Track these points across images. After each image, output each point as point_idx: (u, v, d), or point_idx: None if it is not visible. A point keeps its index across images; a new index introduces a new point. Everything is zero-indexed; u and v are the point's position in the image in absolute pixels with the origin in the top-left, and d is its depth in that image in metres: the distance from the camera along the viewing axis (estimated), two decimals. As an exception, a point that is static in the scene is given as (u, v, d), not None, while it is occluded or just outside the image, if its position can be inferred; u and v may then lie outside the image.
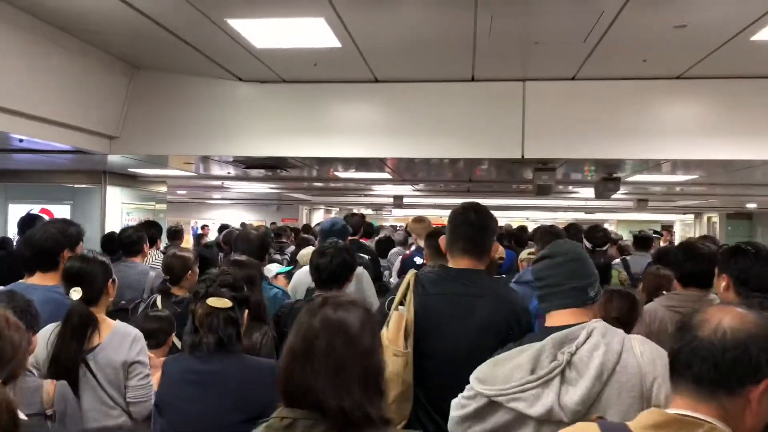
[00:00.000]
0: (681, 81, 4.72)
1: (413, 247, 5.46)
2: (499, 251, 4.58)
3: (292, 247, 6.96)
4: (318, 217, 18.76)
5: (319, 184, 10.46)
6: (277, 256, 5.91)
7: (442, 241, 2.46)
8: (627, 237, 10.81)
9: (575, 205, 16.43)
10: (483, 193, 11.16)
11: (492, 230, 2.38)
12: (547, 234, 3.63)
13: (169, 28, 3.91)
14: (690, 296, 2.88)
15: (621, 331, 1.72)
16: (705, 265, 2.81)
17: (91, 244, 4.53)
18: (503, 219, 17.45)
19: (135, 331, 2.49)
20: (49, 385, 2.05)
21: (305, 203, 16.94)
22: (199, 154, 5.56)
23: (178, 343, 2.90)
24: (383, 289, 3.87)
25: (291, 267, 4.20)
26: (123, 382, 2.41)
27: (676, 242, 17.88)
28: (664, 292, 3.09)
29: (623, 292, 2.79)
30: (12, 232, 6.59)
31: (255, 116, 5.20)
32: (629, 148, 4.83)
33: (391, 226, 12.46)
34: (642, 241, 6.74)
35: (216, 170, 7.74)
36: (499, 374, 1.69)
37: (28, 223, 4.17)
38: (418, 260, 4.81)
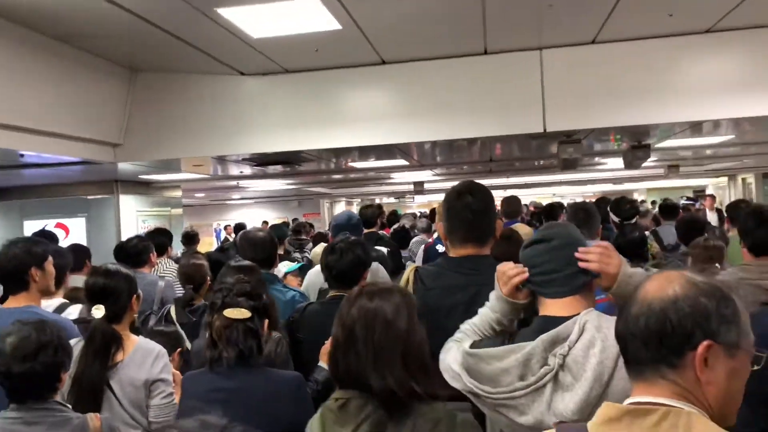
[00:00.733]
0: (711, 35, 4.37)
1: (436, 235, 5.21)
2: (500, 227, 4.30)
3: (311, 244, 6.75)
4: (340, 210, 18.59)
5: (338, 176, 10.26)
6: (297, 255, 5.69)
7: (440, 229, 2.22)
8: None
9: (602, 177, 15.97)
10: (506, 172, 10.84)
11: (493, 211, 2.19)
12: (580, 211, 3.34)
13: (161, 25, 3.72)
14: (766, 266, 2.58)
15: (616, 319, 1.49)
16: None
17: (107, 255, 4.39)
18: (528, 197, 17.07)
19: (158, 348, 2.36)
20: (94, 420, 1.96)
21: (325, 197, 16.77)
22: (207, 155, 5.36)
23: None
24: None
25: (300, 264, 3.97)
26: (145, 401, 2.28)
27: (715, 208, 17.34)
28: (717, 264, 2.79)
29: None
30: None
31: (261, 111, 4.98)
32: (658, 113, 4.50)
33: (412, 213, 12.19)
34: (669, 209, 6.43)
35: (228, 170, 7.57)
36: (485, 372, 1.53)
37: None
38: (441, 248, 4.55)
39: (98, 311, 2.28)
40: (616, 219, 4.81)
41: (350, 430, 1.50)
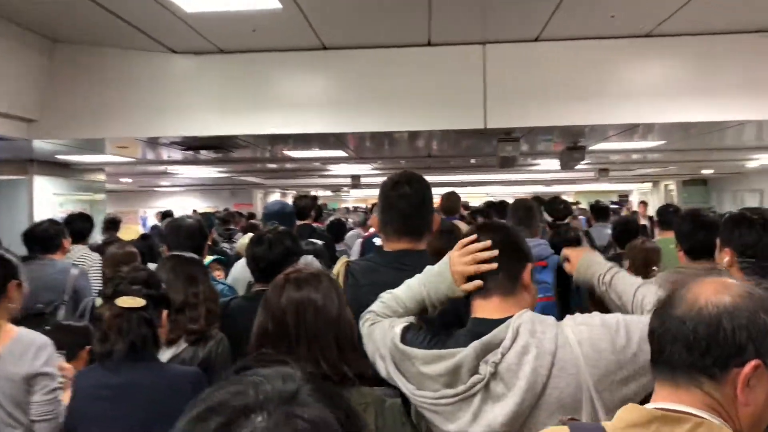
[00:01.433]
0: (651, 39, 4.43)
1: (373, 228, 5.09)
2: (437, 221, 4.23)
3: (240, 234, 6.46)
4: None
5: (273, 166, 9.98)
6: (226, 246, 5.42)
7: (374, 220, 2.10)
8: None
9: (534, 179, 16.31)
10: (444, 169, 10.84)
11: (430, 203, 2.06)
12: (521, 208, 3.26)
13: (82, -10, 3.42)
14: (701, 270, 2.58)
15: (552, 320, 1.42)
16: (716, 235, 2.53)
17: (16, 241, 4.03)
18: (462, 196, 17.13)
19: (41, 339, 2.13)
20: None
21: (259, 187, 16.38)
22: (132, 136, 5.04)
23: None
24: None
25: (217, 257, 3.76)
26: (25, 397, 2.06)
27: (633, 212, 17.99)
28: (654, 268, 2.80)
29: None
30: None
31: (192, 92, 4.72)
32: (598, 114, 4.53)
33: (346, 207, 12.05)
34: (600, 211, 6.55)
35: (157, 155, 7.19)
36: (410, 371, 1.44)
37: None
38: (378, 241, 4.43)
39: None
40: (549, 218, 4.83)
41: None
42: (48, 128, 4.70)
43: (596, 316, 1.44)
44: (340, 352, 1.50)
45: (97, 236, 6.37)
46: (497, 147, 5.13)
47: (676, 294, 1.10)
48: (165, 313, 1.96)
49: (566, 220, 4.61)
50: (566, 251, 1.93)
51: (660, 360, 1.09)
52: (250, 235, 3.03)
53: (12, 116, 4.43)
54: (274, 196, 18.80)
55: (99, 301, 2.90)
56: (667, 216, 4.61)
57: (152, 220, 14.81)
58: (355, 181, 11.16)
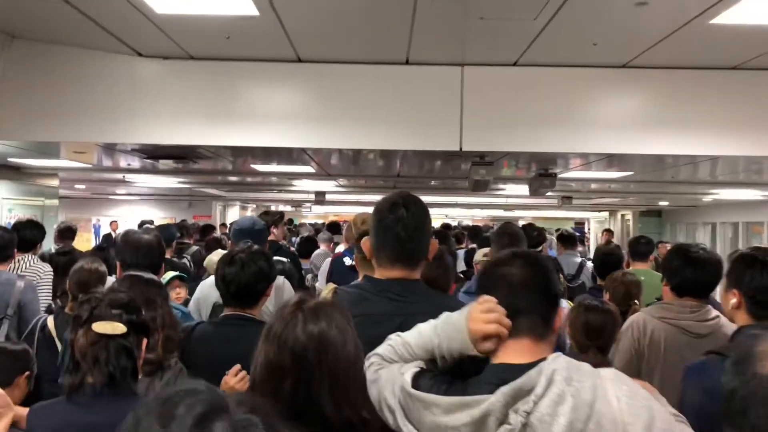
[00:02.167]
0: (626, 70, 4.44)
1: (341, 247, 4.93)
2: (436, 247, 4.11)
3: (195, 248, 6.16)
4: (233, 215, 17.83)
5: (235, 179, 9.73)
6: (175, 260, 5.13)
7: (365, 244, 1.92)
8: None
9: (494, 203, 16.39)
10: (412, 190, 10.75)
11: (429, 228, 1.89)
12: (505, 235, 3.10)
13: (45, -16, 3.21)
14: (687, 307, 2.51)
15: (589, 368, 1.28)
16: (709, 274, 2.46)
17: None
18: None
19: None
20: None
21: (219, 199, 16.02)
22: (90, 141, 4.78)
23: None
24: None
25: (179, 274, 3.54)
26: None
27: (592, 241, 18.25)
28: (636, 301, 2.72)
29: (597, 306, 2.37)
30: None
31: (158, 99, 4.50)
32: (574, 142, 4.50)
33: (310, 224, 11.83)
34: (568, 238, 6.52)
35: (114, 162, 6.89)
36: (426, 421, 1.28)
37: None
38: (348, 261, 4.26)
39: None
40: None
41: None
42: (0, 129, 4.42)
43: (637, 385, 1.33)
44: (360, 395, 1.37)
45: (50, 244, 6.03)
46: (471, 170, 5.06)
47: (757, 348, 0.99)
48: (145, 342, 1.75)
49: (540, 248, 4.54)
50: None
51: (742, 423, 0.99)
52: (220, 252, 2.83)
53: (-41, 114, 4.15)
54: (234, 209, 18.43)
55: (50, 322, 2.66)
56: (638, 247, 4.59)
57: (105, 229, 14.29)
58: (320, 198, 10.99)
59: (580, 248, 6.94)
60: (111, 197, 15.53)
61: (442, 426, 1.26)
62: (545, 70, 4.47)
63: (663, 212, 17.78)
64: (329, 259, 4.15)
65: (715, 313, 2.58)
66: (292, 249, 5.97)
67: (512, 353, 1.35)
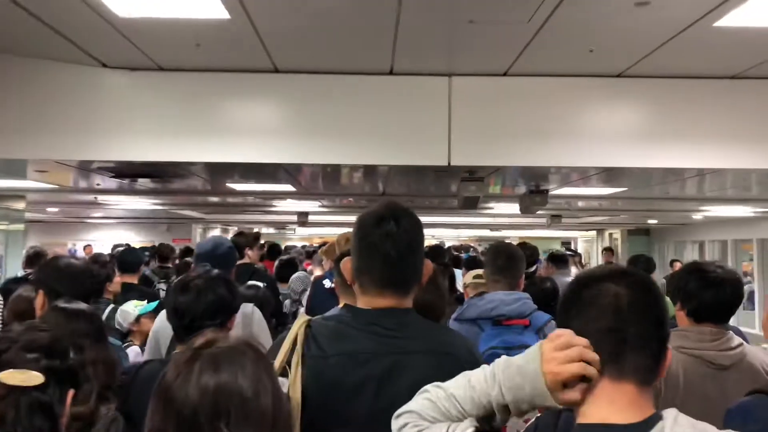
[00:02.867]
0: (623, 80, 4.21)
1: (319, 270, 4.60)
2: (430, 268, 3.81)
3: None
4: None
5: (214, 200, 9.40)
6: (162, 286, 4.76)
7: (346, 266, 1.59)
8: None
9: (480, 222, 16.18)
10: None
11: (422, 246, 1.58)
12: (501, 255, 2.76)
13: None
14: (707, 334, 2.23)
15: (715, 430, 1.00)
16: (730, 295, 2.19)
17: None
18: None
19: None
20: None
21: (199, 222, 15.64)
22: (51, 158, 4.45)
23: None
24: (281, 329, 2.96)
25: (157, 303, 3.20)
26: None
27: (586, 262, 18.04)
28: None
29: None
30: None
31: (125, 113, 4.19)
32: (568, 156, 4.26)
33: (302, 246, 11.49)
34: (560, 259, 6.28)
35: (87, 182, 6.54)
36: None
37: None
38: (328, 284, 3.95)
39: None
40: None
41: None
42: (-50, 145, 4.09)
43: None
44: None
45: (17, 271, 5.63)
46: (459, 187, 4.79)
47: None
48: (71, 393, 1.40)
49: (533, 268, 4.26)
50: None
51: None
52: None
53: None
54: (215, 232, 18.03)
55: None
56: (637, 266, 4.35)
57: (80, 254, 13.83)
58: (302, 219, 10.67)
59: (574, 269, 6.68)
60: (86, 221, 15.10)
61: None
62: (538, 80, 4.23)
63: (651, 230, 17.67)
64: (311, 278, 3.81)
65: (738, 340, 2.31)
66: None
67: (610, 406, 1.03)
